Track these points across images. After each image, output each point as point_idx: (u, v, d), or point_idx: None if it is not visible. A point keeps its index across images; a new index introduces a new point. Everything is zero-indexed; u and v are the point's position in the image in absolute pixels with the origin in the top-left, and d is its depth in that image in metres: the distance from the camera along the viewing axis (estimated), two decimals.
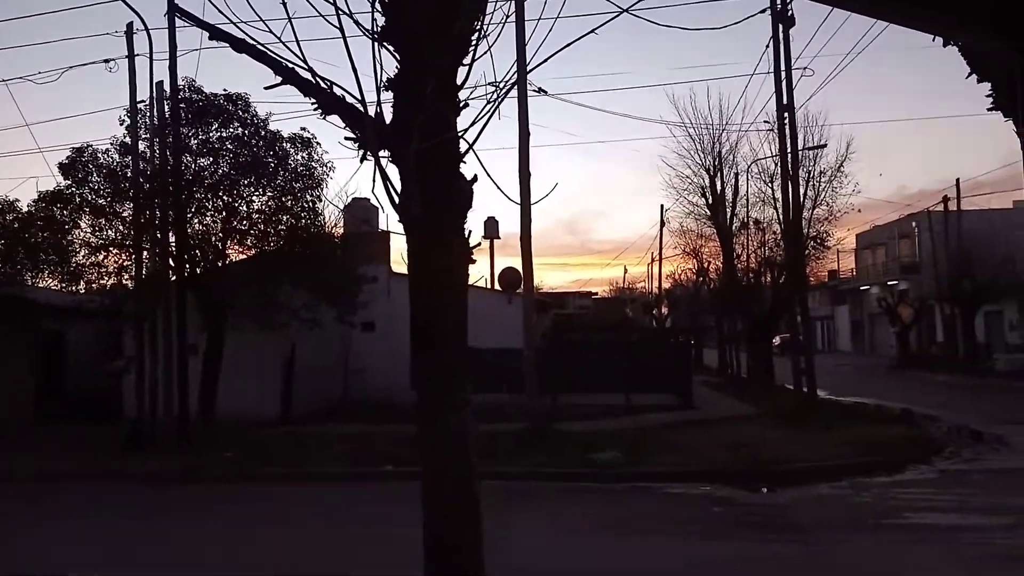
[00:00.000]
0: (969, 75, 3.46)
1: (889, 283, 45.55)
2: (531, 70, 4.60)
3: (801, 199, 22.37)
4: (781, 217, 22.91)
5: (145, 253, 15.60)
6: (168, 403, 15.01)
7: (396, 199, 3.73)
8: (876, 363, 40.33)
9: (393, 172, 3.91)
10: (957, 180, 36.40)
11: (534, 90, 15.29)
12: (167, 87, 15.27)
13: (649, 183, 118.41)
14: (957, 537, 7.99)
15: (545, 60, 4.09)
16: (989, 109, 3.40)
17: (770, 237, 27.81)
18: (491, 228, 31.68)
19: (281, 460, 12.87)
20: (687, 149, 30.06)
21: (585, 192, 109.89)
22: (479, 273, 29.66)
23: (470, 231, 4.04)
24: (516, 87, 15.98)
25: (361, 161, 3.84)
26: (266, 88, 4.18)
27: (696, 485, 11.08)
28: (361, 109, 3.73)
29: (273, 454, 13.32)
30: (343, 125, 3.83)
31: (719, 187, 28.87)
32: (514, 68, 4.21)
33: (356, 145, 3.88)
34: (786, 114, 20.27)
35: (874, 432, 14.58)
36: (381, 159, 3.74)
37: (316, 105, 3.90)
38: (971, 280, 31.68)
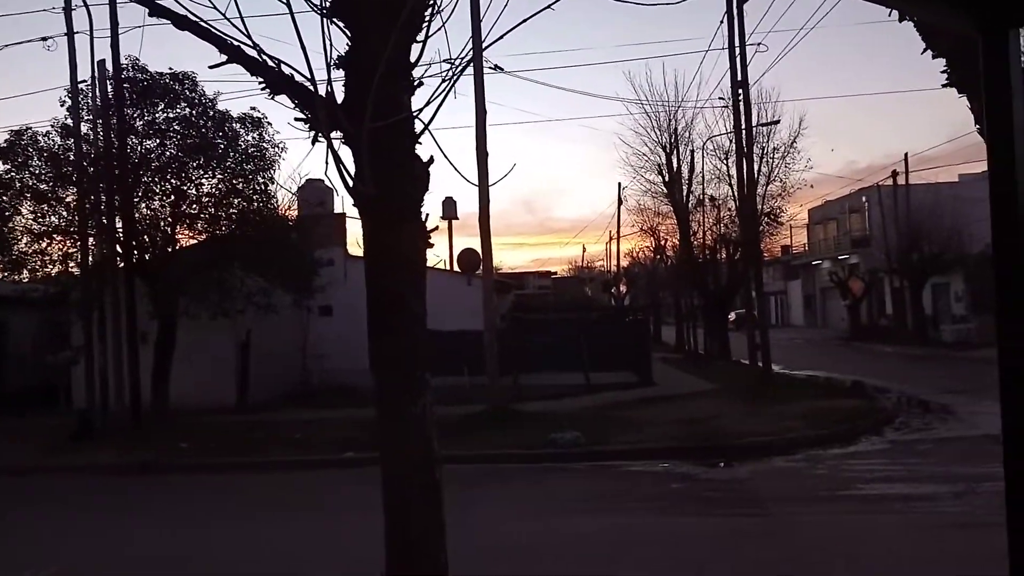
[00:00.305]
0: (924, 51, 3.46)
1: (840, 257, 46.60)
2: (487, 47, 4.48)
3: (755, 175, 22.66)
4: (736, 194, 23.19)
5: (91, 239, 15.13)
6: (119, 393, 14.65)
7: (349, 182, 3.62)
8: (828, 336, 41.32)
9: (346, 153, 3.80)
10: (905, 155, 37.30)
11: (490, 67, 15.12)
12: (109, 66, 14.75)
13: (607, 161, 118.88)
14: (910, 506, 8.22)
15: (501, 36, 3.99)
16: (944, 85, 3.40)
17: (725, 214, 28.19)
18: (449, 208, 31.44)
19: (238, 449, 12.65)
20: (643, 126, 30.22)
21: (543, 171, 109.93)
22: (438, 254, 29.43)
23: (427, 213, 3.95)
24: (472, 65, 15.71)
25: (312, 142, 3.71)
26: (211, 67, 4.02)
27: (656, 462, 11.20)
28: (311, 88, 3.61)
29: (230, 443, 13.09)
30: (293, 105, 3.70)
31: (675, 164, 29.13)
32: (469, 45, 4.11)
33: (307, 126, 3.76)
34: (740, 90, 20.46)
35: (827, 405, 14.93)
36: (333, 140, 3.63)
37: (263, 84, 3.75)
38: (919, 253, 32.54)
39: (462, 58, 3.92)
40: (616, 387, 18.52)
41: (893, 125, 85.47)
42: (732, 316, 35.44)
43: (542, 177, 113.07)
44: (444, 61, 3.94)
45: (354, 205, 3.82)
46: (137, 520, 8.97)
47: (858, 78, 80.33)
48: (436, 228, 4.10)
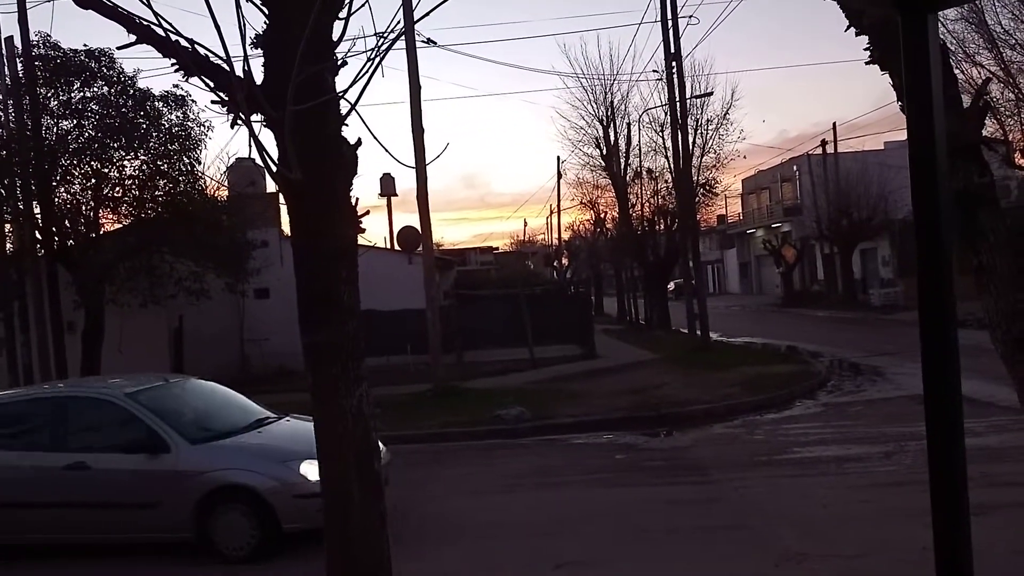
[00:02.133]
0: (847, 28, 3.48)
1: (773, 225, 47.73)
2: (419, 20, 4.35)
3: (690, 147, 22.93)
4: (672, 165, 23.44)
5: (7, 227, 14.39)
6: None
7: (273, 167, 3.48)
8: (763, 302, 42.45)
9: (269, 137, 3.64)
10: (834, 124, 38.48)
11: (423, 41, 14.84)
12: (18, 43, 13.97)
13: (546, 135, 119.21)
14: (843, 468, 8.50)
15: (433, 9, 3.87)
16: (867, 62, 3.42)
17: (662, 186, 28.51)
18: (387, 185, 30.93)
19: None
20: (580, 100, 30.31)
21: (483, 145, 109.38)
22: (379, 233, 29.11)
23: (357, 198, 3.82)
24: (404, 39, 15.27)
25: (231, 126, 3.56)
26: (119, 48, 3.81)
27: (600, 434, 11.35)
28: (228, 69, 3.43)
29: None
30: (209, 88, 3.52)
31: (612, 137, 29.28)
32: (395, 19, 3.98)
33: (225, 109, 3.59)
34: (674, 63, 20.59)
35: (764, 371, 15.36)
36: (254, 123, 3.47)
37: (177, 66, 3.56)
38: (848, 220, 33.58)
39: (391, 31, 3.78)
40: (560, 360, 18.67)
41: (822, 94, 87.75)
42: (671, 286, 36.06)
43: (482, 152, 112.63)
44: (374, 35, 3.78)
45: (279, 191, 3.69)
46: None
47: (788, 49, 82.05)
48: (367, 212, 3.98)
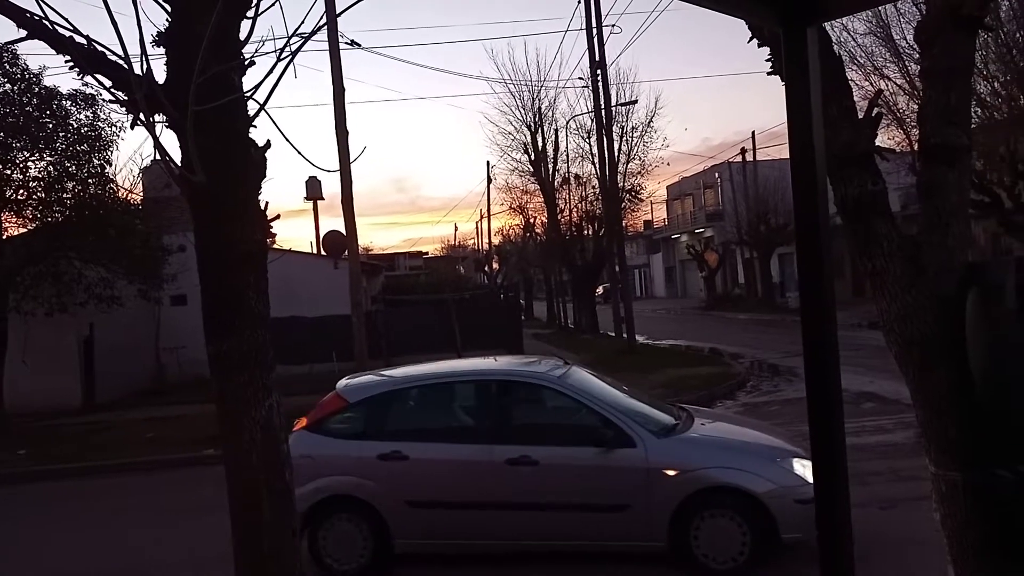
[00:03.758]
0: (751, 39, 3.56)
1: (697, 231, 48.99)
2: (341, 13, 4.25)
3: (616, 154, 23.33)
4: (599, 171, 23.79)
5: None
6: None
7: (176, 169, 3.35)
8: (688, 306, 43.47)
9: (173, 138, 3.51)
10: (753, 132, 39.76)
11: (347, 42, 14.64)
12: None
13: (476, 140, 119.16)
14: None
15: (352, 4, 3.77)
16: (769, 73, 3.52)
17: (590, 191, 28.92)
18: (314, 189, 30.43)
19: (85, 452, 11.78)
20: (508, 105, 30.53)
21: (412, 149, 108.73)
22: (305, 237, 28.52)
23: (267, 202, 3.72)
24: (328, 40, 15.02)
25: (132, 126, 3.41)
26: (7, 44, 3.62)
27: None
28: (127, 68, 3.29)
29: (75, 446, 12.17)
30: (106, 87, 3.37)
31: (540, 143, 29.54)
32: (307, 18, 3.89)
33: (124, 109, 3.44)
34: (599, 71, 20.92)
35: (687, 372, 15.71)
36: (155, 124, 3.34)
37: (72, 63, 3.40)
38: (766, 225, 34.73)
39: (302, 31, 3.69)
40: None
41: (744, 103, 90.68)
42: (600, 290, 36.59)
43: (412, 156, 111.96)
44: (293, 35, 3.68)
45: (183, 195, 3.56)
46: None
47: (709, 59, 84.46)
48: (278, 217, 3.88)
